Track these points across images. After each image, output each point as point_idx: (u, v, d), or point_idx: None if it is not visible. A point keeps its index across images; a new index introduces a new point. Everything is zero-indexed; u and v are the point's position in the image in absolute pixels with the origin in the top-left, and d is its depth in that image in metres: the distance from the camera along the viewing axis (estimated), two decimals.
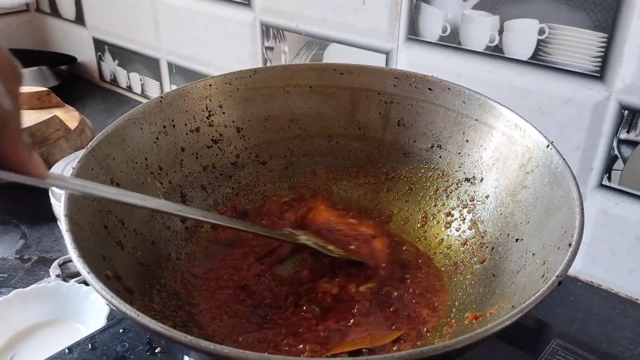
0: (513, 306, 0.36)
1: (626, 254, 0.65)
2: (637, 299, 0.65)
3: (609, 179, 0.63)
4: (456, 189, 0.53)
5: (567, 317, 0.63)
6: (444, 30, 0.68)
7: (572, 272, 0.69)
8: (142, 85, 1.17)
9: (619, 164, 0.61)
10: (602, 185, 0.63)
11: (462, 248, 0.50)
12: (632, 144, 0.60)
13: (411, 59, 0.73)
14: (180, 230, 0.51)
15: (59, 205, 0.73)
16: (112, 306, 0.32)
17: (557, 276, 0.33)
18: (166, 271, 0.47)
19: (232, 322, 0.45)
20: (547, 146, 0.45)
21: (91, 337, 0.52)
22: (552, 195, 0.42)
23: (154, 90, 1.15)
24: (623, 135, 0.60)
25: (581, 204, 0.39)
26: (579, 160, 0.63)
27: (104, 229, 0.42)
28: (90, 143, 0.45)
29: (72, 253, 0.35)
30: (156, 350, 0.51)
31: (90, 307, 0.60)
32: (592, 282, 0.68)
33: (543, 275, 0.36)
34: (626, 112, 0.59)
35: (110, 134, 0.47)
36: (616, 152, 0.61)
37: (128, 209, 0.46)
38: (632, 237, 0.63)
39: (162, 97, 0.52)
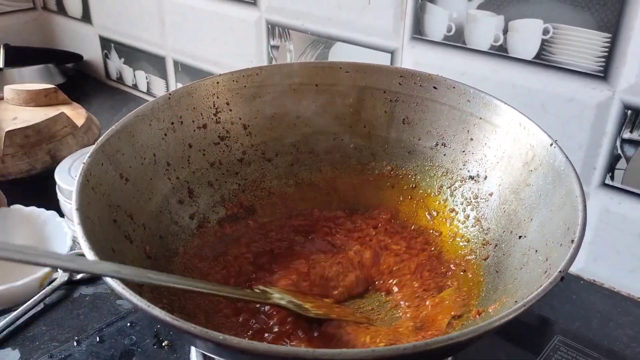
0: (516, 301, 0.37)
1: (628, 252, 0.65)
2: (638, 298, 0.66)
3: (612, 178, 0.63)
4: (460, 187, 0.54)
5: (569, 315, 0.63)
6: (449, 30, 0.69)
7: (574, 270, 0.69)
8: (147, 83, 1.18)
9: (622, 163, 0.62)
10: (605, 184, 0.64)
11: (465, 245, 0.51)
12: (635, 143, 0.60)
13: (416, 58, 0.73)
14: (187, 225, 0.52)
15: (66, 201, 0.74)
16: (124, 298, 0.33)
17: (560, 271, 0.34)
18: (174, 266, 0.48)
19: (239, 315, 0.46)
20: (551, 145, 0.45)
21: (99, 330, 0.53)
22: (555, 193, 0.43)
23: (159, 88, 1.16)
24: (626, 134, 0.61)
25: (584, 201, 0.39)
26: (582, 159, 0.64)
27: (113, 223, 0.43)
28: (100, 139, 0.46)
29: (84, 245, 0.35)
30: (163, 344, 0.51)
31: (54, 233, 0.59)
32: (595, 281, 0.69)
33: (546, 272, 0.37)
34: (629, 111, 0.60)
35: (120, 130, 0.48)
36: (619, 151, 0.62)
37: (137, 204, 0.47)
38: (635, 236, 0.64)
39: (170, 94, 0.53)
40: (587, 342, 0.53)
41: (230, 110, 0.57)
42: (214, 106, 0.56)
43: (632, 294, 0.66)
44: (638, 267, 0.65)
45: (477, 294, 0.45)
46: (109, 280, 0.34)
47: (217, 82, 0.56)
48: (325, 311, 0.45)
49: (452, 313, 0.44)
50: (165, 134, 0.52)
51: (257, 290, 0.45)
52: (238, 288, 0.47)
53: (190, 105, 0.54)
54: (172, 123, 0.53)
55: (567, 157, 0.43)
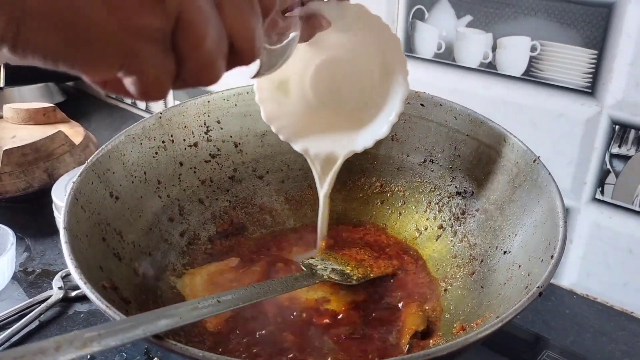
0: (498, 317, 0.37)
1: (620, 267, 0.65)
2: (631, 312, 0.66)
3: (602, 192, 0.63)
4: (448, 203, 0.54)
5: (563, 330, 0.63)
6: (439, 47, 0.70)
7: (567, 285, 0.69)
8: None
9: (611, 178, 0.62)
10: (595, 199, 0.64)
11: (452, 260, 0.51)
12: (623, 158, 0.61)
13: None
14: (177, 242, 0.53)
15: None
16: (107, 315, 0.34)
17: (538, 287, 0.34)
18: (163, 282, 0.48)
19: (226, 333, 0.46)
20: (534, 161, 0.46)
21: None
22: (538, 208, 0.43)
23: (157, 105, 1.17)
24: (615, 149, 0.61)
25: (565, 217, 0.40)
26: (573, 174, 0.64)
27: (102, 241, 0.44)
28: (90, 158, 0.47)
29: (70, 264, 0.36)
30: None
31: None
32: (588, 295, 0.69)
33: (526, 287, 0.37)
34: (617, 127, 0.60)
35: (110, 150, 0.49)
36: (608, 166, 0.62)
37: (127, 221, 0.47)
38: (626, 251, 0.64)
39: (161, 114, 0.54)
40: (575, 356, 0.53)
41: (222, 128, 0.58)
42: (205, 124, 0.57)
43: (625, 308, 0.66)
44: (630, 281, 0.65)
45: (462, 310, 0.46)
46: (93, 298, 0.34)
47: (208, 101, 0.57)
48: (363, 272, 0.51)
49: (414, 328, 0.44)
50: (156, 153, 0.53)
51: (304, 268, 0.49)
52: (287, 278, 0.46)
53: (182, 124, 0.55)
54: (163, 142, 0.54)
55: (549, 174, 0.44)
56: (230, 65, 0.29)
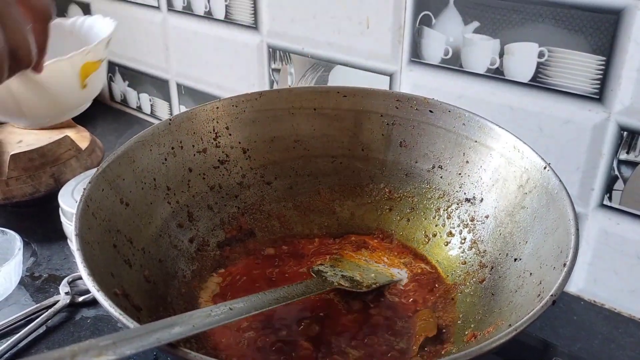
0: (510, 325, 0.37)
1: (628, 273, 0.65)
2: (639, 318, 0.66)
3: (610, 199, 0.63)
4: (457, 209, 0.54)
5: (571, 337, 0.63)
6: (446, 53, 0.70)
7: (575, 291, 0.69)
8: (151, 105, 1.20)
9: (619, 184, 0.62)
10: (603, 205, 0.64)
11: (462, 267, 0.51)
12: (631, 164, 0.61)
13: (414, 81, 0.74)
14: (187, 248, 0.53)
15: (69, 224, 0.75)
16: (121, 323, 0.34)
17: (552, 295, 0.34)
18: (172, 289, 0.49)
19: (236, 340, 0.46)
20: (545, 168, 0.46)
21: None
22: (549, 215, 0.43)
23: (163, 110, 1.17)
24: (623, 155, 0.61)
25: (576, 224, 0.40)
26: (580, 181, 0.64)
27: (112, 248, 0.44)
28: (100, 164, 0.47)
29: (83, 271, 0.36)
30: None
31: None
32: (595, 302, 0.69)
33: (539, 295, 0.37)
34: (625, 133, 0.60)
35: (120, 156, 0.49)
36: (616, 172, 0.62)
37: (137, 228, 0.47)
38: (634, 257, 0.64)
39: (170, 120, 0.54)
40: None
41: (230, 134, 0.58)
42: (214, 131, 0.57)
43: (633, 315, 0.66)
44: (638, 287, 0.65)
45: (473, 317, 0.46)
46: (106, 305, 0.34)
47: (217, 107, 0.57)
48: (374, 278, 0.51)
49: (425, 334, 0.44)
50: (166, 159, 0.53)
51: (314, 275, 0.50)
52: (298, 285, 0.46)
53: (191, 130, 0.55)
54: (173, 148, 0.54)
55: (560, 180, 0.44)
56: (12, 71, 0.42)
